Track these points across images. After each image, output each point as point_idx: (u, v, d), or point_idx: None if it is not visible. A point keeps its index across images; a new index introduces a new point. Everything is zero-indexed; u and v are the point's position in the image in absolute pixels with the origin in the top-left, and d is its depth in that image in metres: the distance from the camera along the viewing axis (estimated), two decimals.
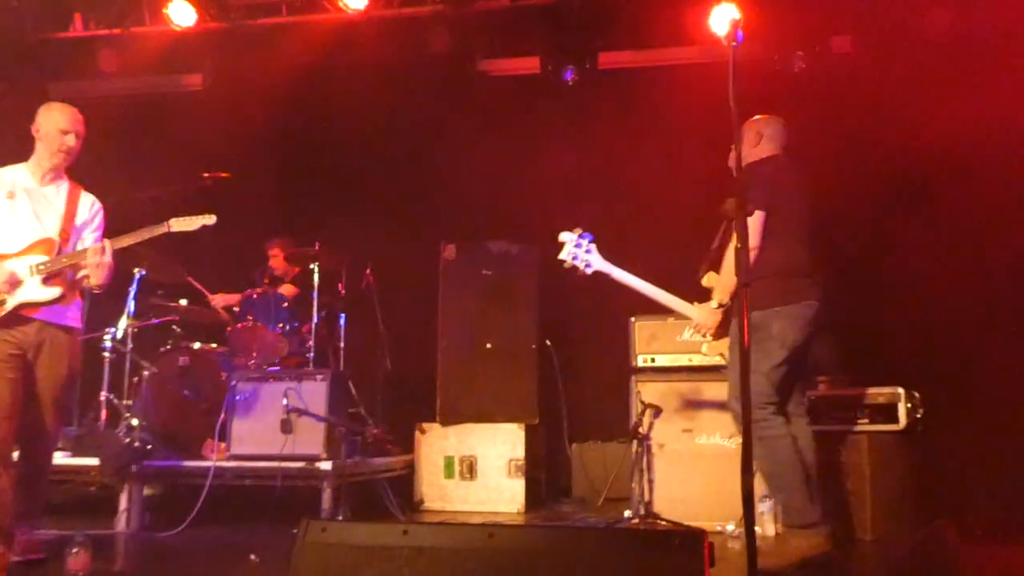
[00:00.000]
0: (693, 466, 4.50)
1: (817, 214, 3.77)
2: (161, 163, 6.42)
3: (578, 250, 3.82)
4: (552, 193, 5.98)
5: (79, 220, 3.77)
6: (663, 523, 4.32)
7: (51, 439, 3.69)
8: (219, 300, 5.82)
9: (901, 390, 4.40)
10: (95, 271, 3.57)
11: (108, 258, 3.56)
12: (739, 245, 2.30)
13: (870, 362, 5.08)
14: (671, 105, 5.75)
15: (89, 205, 3.83)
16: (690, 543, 1.70)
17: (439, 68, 6.28)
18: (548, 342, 5.50)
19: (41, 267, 3.58)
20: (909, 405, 4.39)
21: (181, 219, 3.71)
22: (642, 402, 4.57)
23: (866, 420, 4.43)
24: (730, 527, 4.19)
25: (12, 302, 3.54)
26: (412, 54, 6.26)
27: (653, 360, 4.72)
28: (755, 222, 3.54)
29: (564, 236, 3.85)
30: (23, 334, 3.55)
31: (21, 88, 6.86)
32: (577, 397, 5.87)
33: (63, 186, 3.79)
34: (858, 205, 5.51)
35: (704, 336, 3.80)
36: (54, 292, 3.58)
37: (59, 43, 6.78)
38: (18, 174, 3.74)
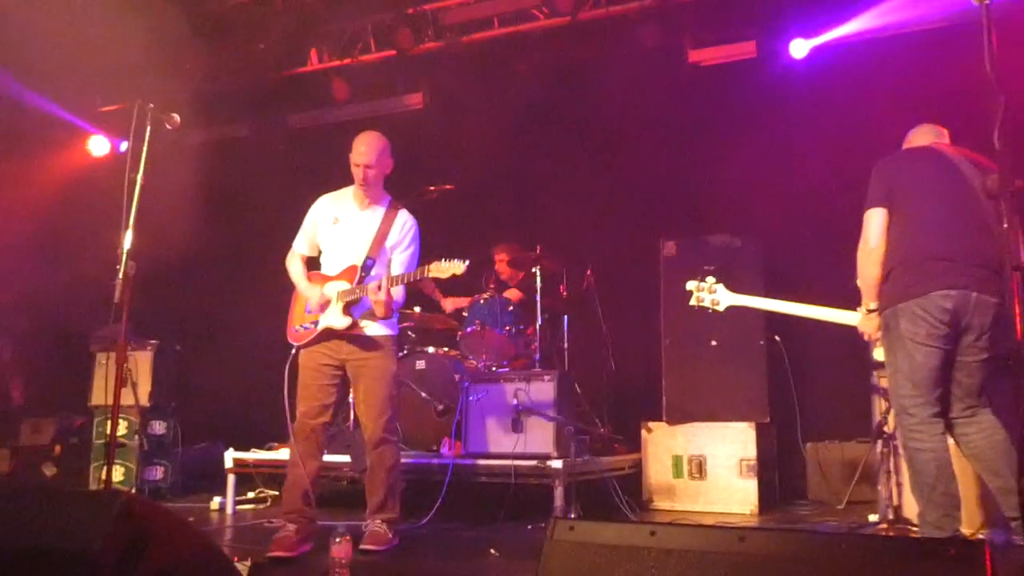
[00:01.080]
0: None
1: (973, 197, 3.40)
2: (390, 180, 6.84)
3: (703, 293, 4.07)
4: (773, 182, 5.73)
5: (389, 242, 3.97)
6: (913, 529, 4.00)
7: (376, 439, 3.90)
8: (450, 304, 6.12)
9: None
10: (377, 306, 3.81)
11: (383, 295, 3.75)
12: (1006, 225, 2.08)
13: None
14: (909, 79, 5.31)
15: (401, 225, 4.02)
16: (970, 554, 1.55)
17: (650, 63, 6.23)
18: (777, 337, 5.27)
19: (343, 294, 3.89)
20: None
21: (438, 264, 3.80)
22: (887, 399, 4.27)
23: None
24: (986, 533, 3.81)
25: (321, 325, 3.90)
26: (623, 52, 6.25)
27: None
28: (867, 221, 3.48)
29: (690, 285, 4.12)
30: (336, 347, 3.92)
31: (265, 123, 7.61)
32: (810, 395, 5.59)
33: (380, 210, 4.04)
34: None
35: (873, 342, 3.66)
36: (346, 321, 3.86)
37: (298, 78, 7.43)
38: (344, 200, 4.08)
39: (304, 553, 3.79)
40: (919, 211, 3.43)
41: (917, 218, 3.43)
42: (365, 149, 3.96)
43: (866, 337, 3.68)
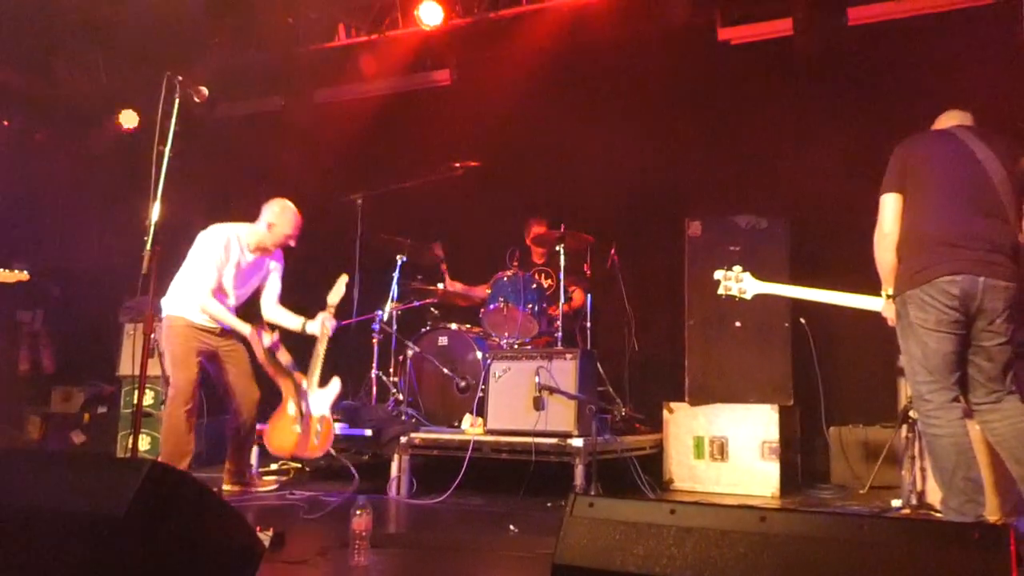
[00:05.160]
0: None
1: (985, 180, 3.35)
2: (415, 156, 6.84)
3: (730, 282, 4.17)
4: (800, 162, 5.66)
5: None
6: (937, 515, 3.97)
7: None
8: (454, 286, 6.08)
9: None
10: None
11: None
12: None
13: None
14: (944, 59, 5.21)
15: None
16: (994, 538, 1.53)
17: (679, 41, 6.15)
18: (802, 320, 5.22)
19: None
20: None
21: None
22: None
23: None
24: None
25: None
26: (652, 29, 6.17)
27: None
28: (882, 206, 3.48)
29: (717, 274, 4.23)
30: None
31: (294, 97, 7.60)
32: (835, 378, 5.53)
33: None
34: None
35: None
36: None
37: (325, 52, 7.40)
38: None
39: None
40: (928, 196, 3.40)
41: (926, 203, 3.40)
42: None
43: (890, 323, 3.65)
